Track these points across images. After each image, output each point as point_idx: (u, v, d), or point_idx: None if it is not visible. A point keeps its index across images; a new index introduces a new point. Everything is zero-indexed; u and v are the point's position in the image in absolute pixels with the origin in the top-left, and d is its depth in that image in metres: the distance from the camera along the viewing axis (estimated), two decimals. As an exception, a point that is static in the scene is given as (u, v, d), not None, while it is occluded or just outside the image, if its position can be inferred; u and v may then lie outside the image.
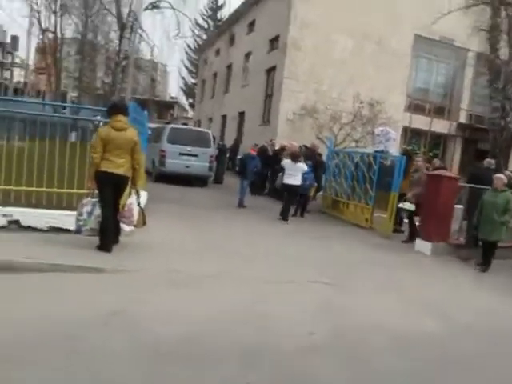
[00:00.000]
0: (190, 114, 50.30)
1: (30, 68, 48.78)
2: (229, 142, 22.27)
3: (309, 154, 13.50)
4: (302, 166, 10.20)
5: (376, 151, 11.28)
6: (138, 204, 5.87)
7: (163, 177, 14.52)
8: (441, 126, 23.41)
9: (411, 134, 22.93)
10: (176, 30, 26.44)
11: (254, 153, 12.60)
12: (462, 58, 22.91)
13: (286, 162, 10.30)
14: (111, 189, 5.55)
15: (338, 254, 7.45)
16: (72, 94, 40.07)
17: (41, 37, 32.84)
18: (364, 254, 7.77)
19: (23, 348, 3.24)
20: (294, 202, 10.61)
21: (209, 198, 12.40)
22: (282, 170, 10.53)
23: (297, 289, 5.34)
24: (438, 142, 23.79)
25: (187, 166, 14.40)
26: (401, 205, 9.06)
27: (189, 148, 14.50)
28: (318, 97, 19.66)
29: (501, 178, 7.77)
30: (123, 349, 3.41)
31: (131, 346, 3.46)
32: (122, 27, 23.92)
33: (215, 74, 30.39)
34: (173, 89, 72.19)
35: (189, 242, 6.80)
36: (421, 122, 22.80)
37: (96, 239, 5.62)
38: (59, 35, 33.18)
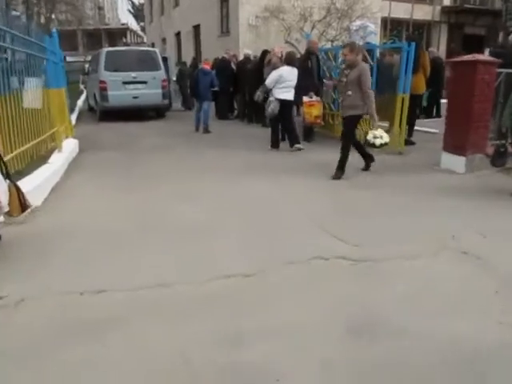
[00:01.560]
0: (146, 39, 45.51)
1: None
2: (188, 62, 19.05)
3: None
4: (296, 71, 7.62)
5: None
6: (7, 178, 3.33)
7: (109, 114, 11.72)
8: (423, 12, 20.41)
9: (391, 26, 19.94)
10: None
11: (209, 67, 10.07)
12: None
13: (284, 70, 7.42)
14: None
15: (347, 196, 5.08)
16: None
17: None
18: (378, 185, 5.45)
19: None
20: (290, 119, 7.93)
21: (165, 134, 9.74)
22: (265, 89, 7.85)
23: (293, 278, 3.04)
24: (420, 31, 20.87)
25: (135, 97, 11.54)
26: (371, 136, 5.65)
27: (133, 74, 11.57)
28: (281, -7, 16.39)
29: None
30: None
31: None
32: None
33: (161, -14, 26.16)
34: (124, 15, 65.63)
35: (119, 218, 4.30)
36: (400, 10, 19.77)
37: None
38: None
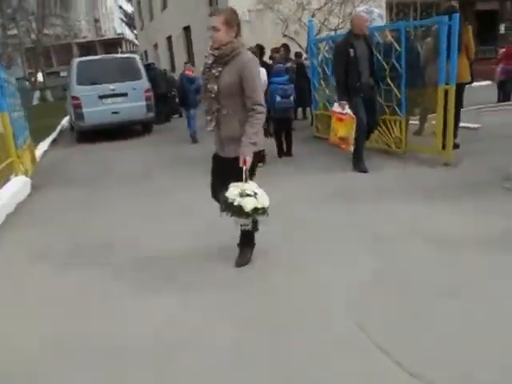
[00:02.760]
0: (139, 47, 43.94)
1: None
2: (180, 68, 17.30)
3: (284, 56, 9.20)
4: (263, 72, 5.90)
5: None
6: None
7: (89, 134, 10.01)
8: (431, -9, 18.40)
9: (396, 9, 18.00)
10: None
11: (192, 73, 9.12)
12: None
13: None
14: None
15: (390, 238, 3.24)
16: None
17: None
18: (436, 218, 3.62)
19: None
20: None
21: (148, 156, 7.96)
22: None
23: None
24: (429, 11, 18.86)
25: (115, 112, 9.79)
26: (235, 193, 2.72)
27: (111, 86, 9.81)
28: (275, -18, 14.55)
29: None
30: None
31: None
32: None
33: (148, -11, 24.36)
34: (120, 25, 64.12)
35: (24, 329, 2.56)
36: (406, -10, 17.82)
37: None
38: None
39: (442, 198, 4.17)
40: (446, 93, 5.10)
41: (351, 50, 5.10)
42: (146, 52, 27.13)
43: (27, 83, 29.45)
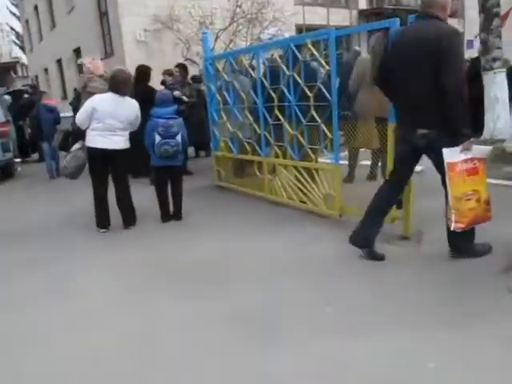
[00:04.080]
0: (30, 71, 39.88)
1: None
2: (71, 95, 14.73)
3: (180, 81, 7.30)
4: (134, 104, 4.38)
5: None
6: None
7: None
8: (341, 17, 17.67)
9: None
10: None
11: (53, 103, 8.09)
12: None
13: (102, 100, 4.19)
14: None
15: None
16: None
17: None
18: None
19: None
20: (126, 184, 4.52)
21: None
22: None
23: None
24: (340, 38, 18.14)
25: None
26: None
27: None
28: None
29: None
30: None
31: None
32: None
33: (36, 8, 21.38)
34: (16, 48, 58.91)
35: None
36: (316, 15, 16.86)
37: None
38: None
39: (432, 316, 2.35)
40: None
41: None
42: (36, 77, 23.88)
43: None
